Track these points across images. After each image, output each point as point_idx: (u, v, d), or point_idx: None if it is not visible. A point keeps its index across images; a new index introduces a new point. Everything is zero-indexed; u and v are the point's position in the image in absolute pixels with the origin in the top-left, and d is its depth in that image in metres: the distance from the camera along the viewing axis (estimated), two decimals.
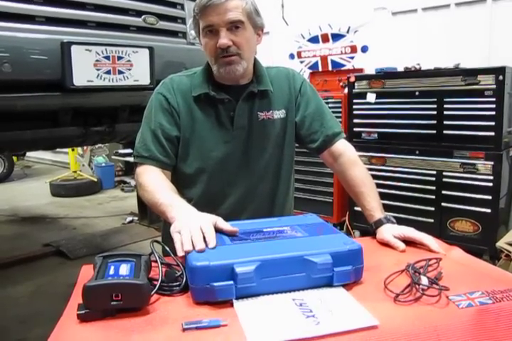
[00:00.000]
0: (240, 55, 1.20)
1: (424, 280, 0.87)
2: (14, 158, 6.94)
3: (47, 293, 2.67)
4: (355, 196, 1.29)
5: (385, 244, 1.14)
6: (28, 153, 7.32)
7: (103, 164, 5.92)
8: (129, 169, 5.93)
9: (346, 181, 1.32)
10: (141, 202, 3.97)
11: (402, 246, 1.10)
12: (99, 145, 5.89)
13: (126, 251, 1.01)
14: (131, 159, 5.32)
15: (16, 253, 3.32)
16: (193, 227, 0.94)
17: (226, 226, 0.99)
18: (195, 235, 0.92)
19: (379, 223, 1.19)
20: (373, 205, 1.23)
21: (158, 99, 1.29)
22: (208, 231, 0.94)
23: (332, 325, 0.73)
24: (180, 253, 0.90)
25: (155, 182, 1.19)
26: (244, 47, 1.20)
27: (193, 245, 0.90)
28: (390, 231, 1.15)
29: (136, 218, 4.20)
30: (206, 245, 0.90)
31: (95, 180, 5.63)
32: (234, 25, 1.17)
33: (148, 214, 3.93)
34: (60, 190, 5.43)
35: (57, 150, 6.37)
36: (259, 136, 1.31)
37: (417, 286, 0.85)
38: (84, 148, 6.15)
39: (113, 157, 6.08)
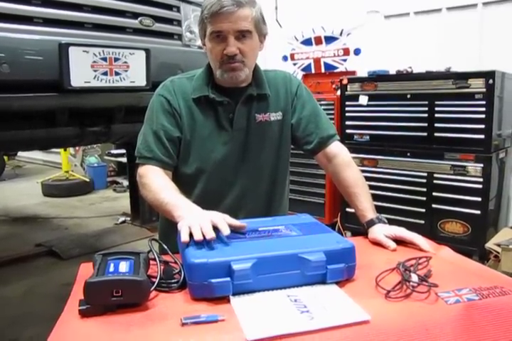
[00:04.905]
0: (243, 63, 1.23)
1: (414, 278, 0.90)
2: (5, 158, 6.88)
3: (39, 293, 2.65)
4: (348, 197, 1.32)
5: (377, 244, 1.17)
6: (20, 153, 7.25)
7: (95, 164, 5.88)
8: (122, 169, 5.90)
9: (340, 182, 1.35)
10: (134, 203, 3.97)
11: (393, 245, 1.13)
12: (92, 145, 5.87)
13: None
14: (123, 159, 5.35)
15: (7, 253, 3.29)
16: (203, 221, 0.96)
17: (234, 221, 1.01)
18: (205, 226, 0.94)
19: (371, 223, 1.22)
20: (366, 206, 1.26)
21: (160, 100, 1.31)
22: (220, 222, 0.96)
23: (325, 320, 0.76)
24: (184, 238, 0.92)
25: (158, 182, 1.21)
26: (248, 56, 1.24)
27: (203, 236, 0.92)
28: (381, 231, 1.18)
29: (128, 218, 4.18)
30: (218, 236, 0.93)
31: (87, 180, 5.59)
32: (242, 34, 1.20)
33: (141, 214, 3.92)
34: (51, 190, 5.39)
35: (49, 150, 6.34)
36: (257, 137, 1.34)
37: (407, 283, 0.88)
38: (77, 148, 6.11)
39: (105, 157, 6.06)
